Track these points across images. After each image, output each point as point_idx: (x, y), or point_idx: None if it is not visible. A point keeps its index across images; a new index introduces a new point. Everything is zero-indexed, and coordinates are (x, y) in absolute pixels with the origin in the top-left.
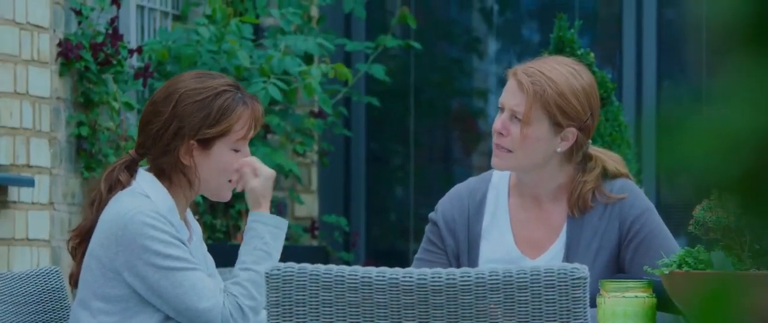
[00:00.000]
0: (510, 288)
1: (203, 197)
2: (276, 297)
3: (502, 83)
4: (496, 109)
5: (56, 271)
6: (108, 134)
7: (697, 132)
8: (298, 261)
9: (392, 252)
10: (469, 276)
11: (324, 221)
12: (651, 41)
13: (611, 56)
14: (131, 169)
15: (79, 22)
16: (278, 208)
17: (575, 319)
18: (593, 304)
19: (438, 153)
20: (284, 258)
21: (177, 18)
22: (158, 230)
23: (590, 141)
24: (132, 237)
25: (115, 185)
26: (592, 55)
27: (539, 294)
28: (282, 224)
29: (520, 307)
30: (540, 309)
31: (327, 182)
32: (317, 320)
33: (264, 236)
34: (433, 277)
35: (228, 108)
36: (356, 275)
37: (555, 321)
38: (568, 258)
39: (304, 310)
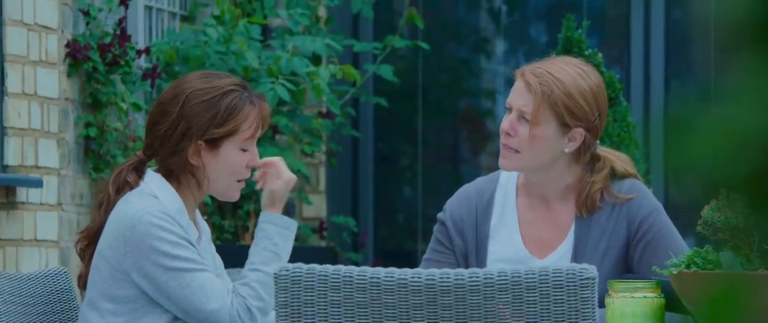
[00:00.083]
0: (518, 289)
1: (212, 198)
2: (284, 297)
3: (509, 83)
4: (503, 109)
5: (65, 272)
6: (116, 135)
7: (706, 132)
8: (307, 262)
9: (400, 252)
10: (477, 277)
11: (332, 221)
12: (659, 41)
13: (619, 56)
14: (139, 170)
15: (87, 23)
16: (287, 209)
17: (584, 319)
18: (601, 304)
19: (446, 153)
20: (293, 259)
21: (185, 19)
22: (166, 231)
23: (598, 142)
24: (140, 238)
25: (123, 187)
26: (600, 55)
27: (548, 294)
28: (292, 225)
29: (528, 307)
30: (548, 309)
31: (335, 183)
32: (326, 321)
33: (273, 237)
34: (441, 278)
35: (235, 108)
36: (365, 275)
37: (563, 321)
38: (576, 258)
39: (312, 311)
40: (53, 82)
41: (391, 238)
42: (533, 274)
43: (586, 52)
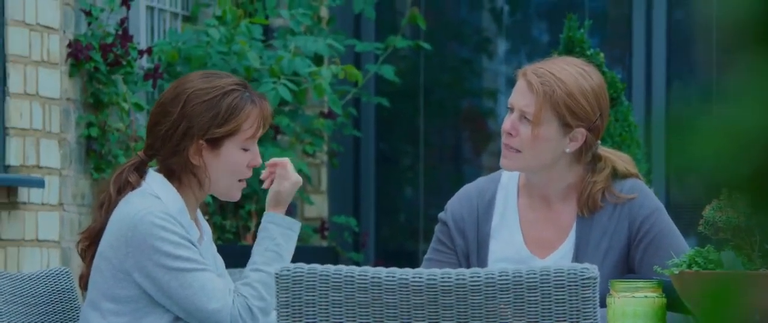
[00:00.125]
0: (520, 289)
1: (213, 198)
2: (286, 297)
3: (511, 83)
4: (505, 109)
5: (66, 272)
6: (118, 135)
7: (707, 132)
8: (308, 262)
9: (402, 252)
10: (478, 277)
11: (334, 221)
12: (661, 41)
13: (621, 56)
14: (140, 170)
15: (89, 23)
16: (288, 209)
17: (585, 319)
18: (603, 304)
19: (448, 153)
20: (294, 259)
21: (187, 19)
22: (168, 231)
23: (600, 142)
24: (142, 238)
25: (125, 187)
26: (601, 55)
27: (549, 294)
28: (295, 226)
29: (529, 307)
30: (550, 309)
31: (336, 183)
32: (327, 320)
33: (276, 237)
34: (442, 277)
35: (236, 107)
36: (366, 275)
37: (565, 321)
38: (577, 257)
39: (313, 311)
40: (55, 82)
41: (393, 238)
42: (534, 274)
43: (588, 52)
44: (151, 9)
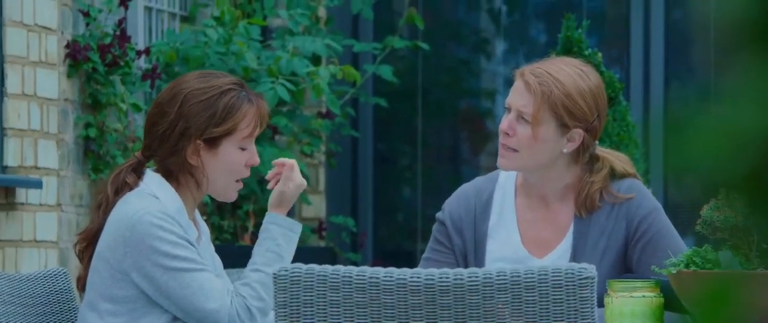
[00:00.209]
0: (517, 288)
1: (211, 198)
2: (284, 297)
3: (509, 83)
4: (503, 109)
5: (64, 272)
6: (116, 136)
7: (705, 132)
8: (306, 262)
9: (400, 252)
10: (476, 276)
11: (331, 221)
12: (659, 41)
13: (619, 56)
14: (138, 171)
15: (87, 24)
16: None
17: (582, 319)
18: (600, 304)
19: (446, 154)
20: (292, 259)
21: (185, 19)
22: (166, 231)
23: (597, 142)
24: (140, 238)
25: (122, 188)
26: (599, 55)
27: (547, 294)
28: (296, 227)
29: (527, 307)
30: (547, 309)
31: (334, 183)
32: (325, 321)
33: (277, 238)
34: (440, 277)
35: (233, 106)
36: (364, 275)
37: (562, 321)
38: (575, 257)
39: (311, 311)
40: (53, 82)
41: (391, 238)
42: (532, 274)
43: (586, 52)
44: (149, 9)
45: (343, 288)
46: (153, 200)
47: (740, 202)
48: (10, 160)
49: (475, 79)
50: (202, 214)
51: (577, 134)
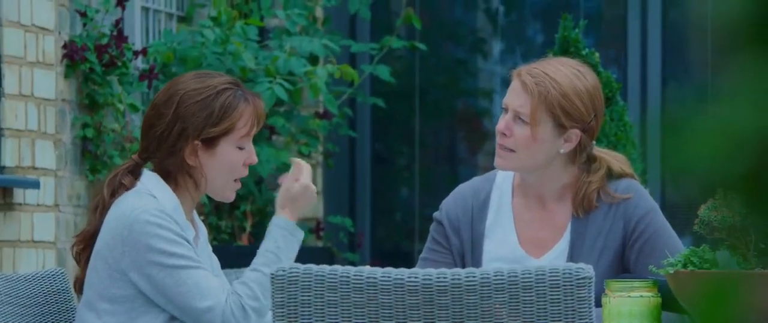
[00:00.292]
0: (515, 288)
1: (209, 198)
2: (281, 297)
3: (506, 83)
4: (501, 109)
5: (61, 273)
6: (113, 136)
7: (702, 132)
8: (304, 262)
9: (397, 252)
10: (474, 277)
11: (329, 221)
12: (656, 41)
13: (616, 57)
14: (135, 173)
15: (84, 24)
16: None
17: (580, 319)
18: (598, 304)
19: (443, 154)
20: None
21: (182, 19)
22: (163, 229)
23: (594, 142)
24: (137, 237)
25: (118, 189)
26: (597, 55)
27: (544, 294)
28: (297, 232)
29: (525, 307)
30: (545, 309)
31: (332, 183)
32: (322, 321)
33: (278, 239)
34: (438, 277)
35: (229, 106)
36: (361, 275)
37: (560, 320)
38: (572, 257)
39: (309, 311)
40: (50, 83)
41: (388, 238)
42: (530, 274)
43: (583, 52)
44: (146, 10)
45: (341, 288)
46: (150, 199)
47: (738, 202)
48: (8, 160)
49: (472, 79)
50: (200, 214)
51: (574, 134)
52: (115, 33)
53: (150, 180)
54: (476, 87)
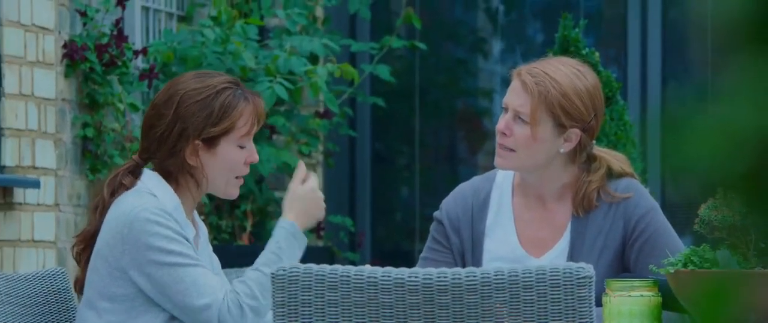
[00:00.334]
0: (515, 288)
1: (209, 198)
2: (282, 297)
3: (506, 83)
4: (501, 109)
5: (62, 272)
6: (113, 136)
7: (702, 131)
8: (304, 262)
9: (398, 252)
10: (474, 276)
11: (329, 221)
12: (656, 41)
13: (616, 56)
14: (135, 174)
15: (84, 24)
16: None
17: (580, 318)
18: (598, 303)
19: (443, 153)
20: None
21: (182, 19)
22: (162, 226)
23: (594, 142)
24: (137, 235)
25: (119, 189)
26: (597, 54)
27: (545, 293)
28: (300, 235)
29: (525, 307)
30: (545, 308)
31: (332, 183)
32: (323, 320)
33: (280, 241)
34: (438, 277)
35: (229, 105)
36: (362, 275)
37: (560, 320)
38: (572, 256)
39: (309, 310)
40: (50, 82)
41: (389, 238)
42: (530, 273)
43: (583, 52)
44: (146, 9)
45: (341, 287)
46: (150, 198)
47: (738, 201)
48: (8, 160)
49: (472, 79)
50: (200, 214)
51: (574, 133)
52: (115, 33)
53: (150, 179)
54: (476, 87)
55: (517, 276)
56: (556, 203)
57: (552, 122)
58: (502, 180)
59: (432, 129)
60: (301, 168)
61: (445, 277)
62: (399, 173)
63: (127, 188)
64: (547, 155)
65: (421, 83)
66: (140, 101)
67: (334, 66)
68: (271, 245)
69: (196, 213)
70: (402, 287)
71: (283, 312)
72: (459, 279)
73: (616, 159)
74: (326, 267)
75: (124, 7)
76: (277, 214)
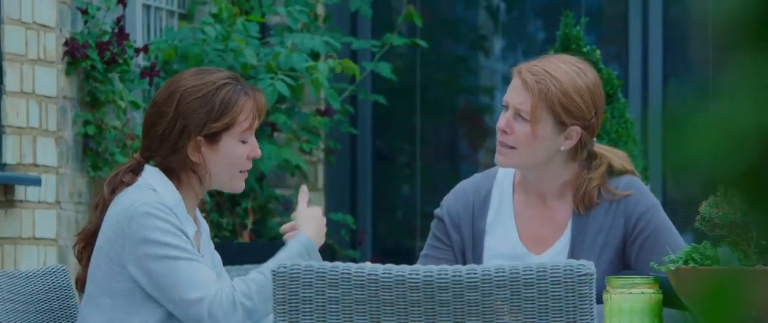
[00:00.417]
0: (516, 285)
1: (210, 196)
2: (283, 294)
3: (508, 80)
4: (502, 106)
5: (63, 270)
6: (114, 133)
7: (703, 129)
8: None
9: (399, 249)
10: (475, 273)
11: (330, 219)
12: (657, 38)
13: (617, 53)
14: (136, 172)
15: (86, 22)
16: (284, 206)
17: (581, 316)
18: (599, 301)
19: (444, 151)
20: None
21: (183, 17)
22: (160, 220)
23: (595, 139)
24: (136, 229)
25: (119, 187)
26: (598, 52)
27: (545, 290)
28: (315, 253)
29: (526, 304)
30: (546, 305)
31: (333, 180)
32: (324, 317)
33: (291, 250)
34: (439, 274)
35: (230, 100)
36: (362, 272)
37: (561, 317)
38: (573, 254)
39: (310, 307)
40: (51, 80)
41: (390, 235)
42: (531, 270)
43: (584, 49)
44: (147, 7)
45: (342, 284)
46: (151, 192)
47: (739, 199)
48: (9, 157)
49: (473, 77)
50: (201, 211)
51: (575, 131)
52: (116, 30)
53: (151, 175)
54: (477, 84)
55: (517, 273)
56: (556, 200)
57: (552, 120)
58: (503, 178)
59: (433, 127)
60: (304, 193)
61: (445, 274)
62: (400, 170)
63: (128, 186)
64: (547, 152)
65: (422, 81)
66: (141, 99)
67: (335, 62)
68: (281, 253)
69: (198, 211)
70: (403, 284)
71: (284, 309)
72: (460, 276)
73: (616, 157)
74: (327, 264)
75: (125, 5)
76: (278, 211)
